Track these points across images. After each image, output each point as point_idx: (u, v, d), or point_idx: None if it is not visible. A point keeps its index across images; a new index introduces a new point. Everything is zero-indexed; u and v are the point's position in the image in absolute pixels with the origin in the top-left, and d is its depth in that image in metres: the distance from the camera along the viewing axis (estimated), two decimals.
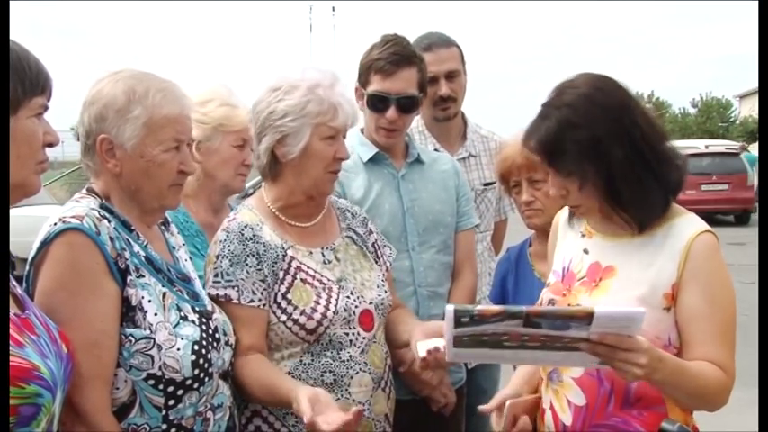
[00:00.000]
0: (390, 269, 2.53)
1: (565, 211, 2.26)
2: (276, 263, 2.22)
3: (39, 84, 1.59)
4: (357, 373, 2.22)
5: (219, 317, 2.06)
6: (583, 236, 2.13)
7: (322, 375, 2.18)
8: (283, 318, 2.18)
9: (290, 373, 2.16)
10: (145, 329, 1.83)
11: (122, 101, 1.88)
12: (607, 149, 1.92)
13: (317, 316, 2.18)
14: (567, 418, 2.03)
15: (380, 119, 2.76)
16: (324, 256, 2.31)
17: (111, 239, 1.83)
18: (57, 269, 1.78)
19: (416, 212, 2.80)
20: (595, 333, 1.70)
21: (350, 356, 2.22)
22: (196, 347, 1.88)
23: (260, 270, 2.19)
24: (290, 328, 2.18)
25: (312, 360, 2.19)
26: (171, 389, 1.85)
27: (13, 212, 1.64)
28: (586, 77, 2.02)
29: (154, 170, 1.93)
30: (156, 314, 1.85)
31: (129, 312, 1.83)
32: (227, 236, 2.21)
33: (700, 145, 22.68)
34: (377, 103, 2.74)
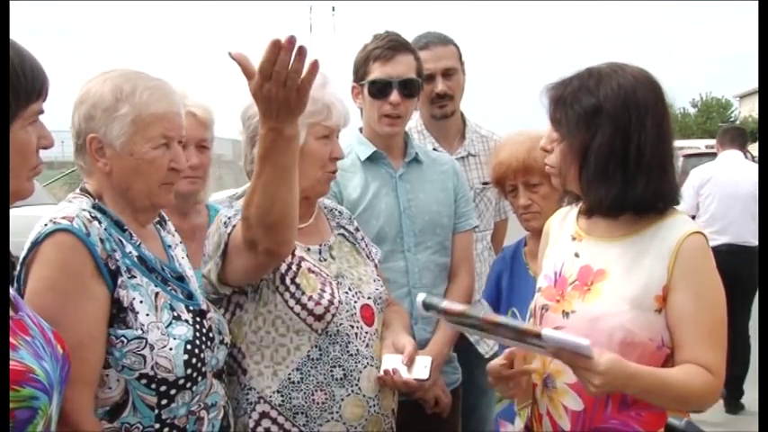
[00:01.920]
0: (379, 267, 2.53)
1: (556, 216, 2.25)
2: None
3: (34, 91, 1.56)
4: (366, 367, 2.21)
5: (214, 316, 2.06)
6: (573, 239, 2.12)
7: (332, 370, 2.17)
8: (291, 302, 2.16)
9: (297, 370, 2.15)
10: (136, 330, 1.82)
11: (109, 100, 1.89)
12: (600, 123, 1.93)
13: (325, 302, 2.17)
14: (564, 423, 2.00)
15: (383, 105, 2.75)
16: (320, 254, 2.32)
17: (102, 240, 1.82)
18: (46, 270, 1.78)
19: (413, 213, 2.79)
20: (551, 348, 1.73)
21: (357, 350, 2.21)
22: (189, 347, 1.88)
23: None
24: (297, 314, 2.15)
25: (320, 355, 2.18)
26: (163, 388, 1.84)
27: (12, 212, 1.63)
28: (638, 71, 2.01)
29: (144, 168, 1.92)
30: (147, 314, 1.85)
31: (120, 314, 1.82)
32: (237, 213, 2.11)
33: (700, 145, 22.61)
34: (378, 91, 2.74)
